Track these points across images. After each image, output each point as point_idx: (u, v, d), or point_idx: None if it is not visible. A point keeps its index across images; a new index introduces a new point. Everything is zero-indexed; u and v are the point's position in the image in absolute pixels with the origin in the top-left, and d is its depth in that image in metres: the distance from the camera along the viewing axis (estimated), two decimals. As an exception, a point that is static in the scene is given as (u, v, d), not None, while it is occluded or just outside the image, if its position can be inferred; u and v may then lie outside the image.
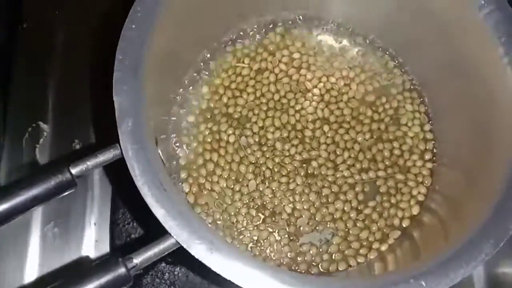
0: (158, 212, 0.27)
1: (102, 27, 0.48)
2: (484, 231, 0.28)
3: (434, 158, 0.40)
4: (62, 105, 0.47)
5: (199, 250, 0.26)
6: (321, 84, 0.42)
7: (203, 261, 0.26)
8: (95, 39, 0.48)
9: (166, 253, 0.27)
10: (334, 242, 0.38)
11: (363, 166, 0.40)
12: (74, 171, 0.27)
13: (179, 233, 0.26)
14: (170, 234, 0.26)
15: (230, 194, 0.39)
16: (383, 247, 0.38)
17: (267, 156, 0.40)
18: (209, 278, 0.40)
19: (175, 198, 0.28)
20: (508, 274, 0.43)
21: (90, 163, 0.27)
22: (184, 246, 0.26)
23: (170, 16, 0.32)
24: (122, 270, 0.25)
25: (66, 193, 0.27)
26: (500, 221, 0.28)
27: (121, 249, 0.41)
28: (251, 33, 0.43)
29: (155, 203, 0.27)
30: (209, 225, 0.35)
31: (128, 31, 0.30)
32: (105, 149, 0.28)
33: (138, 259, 0.26)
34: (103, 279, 0.25)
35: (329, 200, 0.39)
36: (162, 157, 0.32)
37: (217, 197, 0.39)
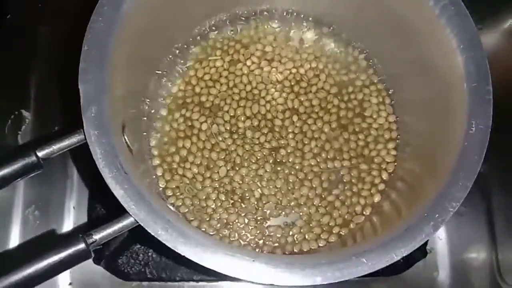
0: (118, 192, 0.28)
1: (85, 19, 0.50)
2: (425, 214, 0.30)
3: (397, 148, 0.42)
4: (44, 93, 0.49)
5: (155, 228, 0.28)
6: (291, 76, 0.44)
7: (159, 238, 0.28)
8: (77, 30, 0.50)
9: (125, 230, 0.28)
10: (298, 225, 0.40)
11: (329, 155, 0.42)
12: (40, 154, 0.29)
13: (137, 212, 0.28)
14: (128, 213, 0.28)
15: (201, 180, 0.41)
16: (343, 231, 0.40)
17: (238, 143, 0.42)
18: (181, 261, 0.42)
19: (135, 180, 0.29)
20: (472, 259, 0.45)
21: (56, 146, 0.29)
22: (142, 224, 0.28)
23: (139, 8, 0.34)
24: (81, 246, 0.27)
25: (33, 174, 0.29)
26: (440, 204, 0.30)
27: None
28: (224, 25, 0.45)
29: (114, 184, 0.29)
30: (172, 208, 0.37)
31: (94, 23, 0.32)
32: (70, 134, 0.30)
33: (97, 235, 0.28)
34: (63, 254, 0.26)
35: (295, 186, 0.41)
36: (129, 143, 0.34)
37: (188, 182, 0.41)
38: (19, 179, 0.28)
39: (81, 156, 0.30)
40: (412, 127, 0.41)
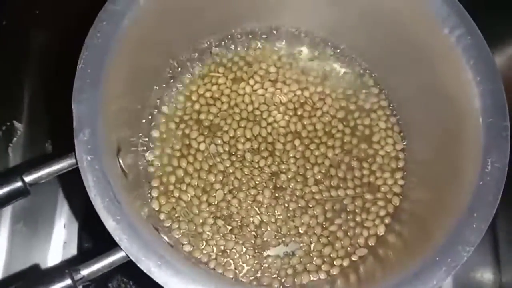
0: (109, 224, 0.27)
1: (81, 29, 0.48)
2: (437, 258, 0.28)
3: (404, 178, 0.40)
4: (37, 105, 0.47)
5: (147, 265, 0.26)
6: (295, 98, 0.42)
7: (151, 276, 0.26)
8: (73, 41, 0.48)
9: (115, 266, 0.26)
10: (297, 255, 0.38)
11: (332, 183, 0.40)
12: (27, 179, 0.27)
13: (129, 247, 0.26)
14: (119, 247, 0.26)
15: (197, 204, 0.39)
16: (345, 263, 0.38)
17: (236, 166, 0.40)
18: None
19: (128, 210, 0.28)
20: (476, 281, 0.44)
21: (44, 172, 0.27)
22: (133, 260, 0.26)
23: (139, 24, 0.32)
24: (68, 282, 0.25)
25: (18, 200, 0.27)
26: (452, 248, 0.28)
27: (88, 253, 0.42)
28: (228, 41, 0.43)
29: (106, 215, 0.27)
30: (165, 237, 0.35)
31: (91, 40, 0.30)
32: (60, 158, 0.28)
33: (86, 271, 0.26)
34: (47, 291, 0.24)
35: (296, 214, 0.39)
36: (123, 166, 0.32)
37: (184, 205, 0.39)
38: (4, 206, 0.26)
39: (71, 180, 0.28)
40: (421, 157, 0.39)
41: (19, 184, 0.26)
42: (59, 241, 0.43)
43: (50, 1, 0.49)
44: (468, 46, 0.32)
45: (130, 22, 0.31)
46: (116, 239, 0.26)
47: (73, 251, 0.43)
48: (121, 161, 0.32)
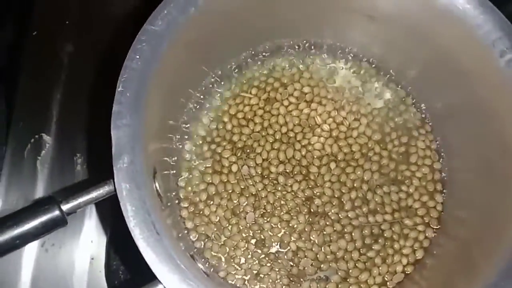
0: (148, 256, 0.26)
1: (111, 41, 0.48)
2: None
3: (443, 199, 0.39)
4: (66, 118, 0.46)
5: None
6: (330, 120, 0.41)
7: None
8: (103, 52, 0.48)
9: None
10: (333, 281, 0.37)
11: (370, 207, 0.39)
12: (65, 208, 0.26)
13: (168, 280, 0.25)
14: (158, 280, 0.25)
15: (228, 226, 0.38)
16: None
17: (269, 190, 0.39)
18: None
19: (168, 242, 0.27)
20: None
21: (82, 200, 0.26)
22: (172, 294, 0.25)
23: (178, 46, 0.31)
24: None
25: (55, 230, 0.26)
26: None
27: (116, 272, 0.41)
28: (260, 58, 0.42)
29: (145, 247, 0.26)
30: (201, 268, 0.34)
31: (131, 62, 0.29)
32: (98, 184, 0.27)
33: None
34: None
35: (332, 239, 0.38)
36: (159, 190, 0.31)
37: (215, 228, 0.38)
38: (40, 237, 0.25)
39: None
40: (463, 177, 0.38)
41: (56, 213, 0.25)
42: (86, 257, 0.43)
43: (79, 11, 0.49)
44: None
45: (169, 43, 0.30)
46: (155, 271, 0.25)
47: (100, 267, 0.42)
48: (157, 184, 0.31)
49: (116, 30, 0.48)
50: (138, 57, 0.29)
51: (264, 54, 0.42)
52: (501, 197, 0.32)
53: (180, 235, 0.36)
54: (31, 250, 0.42)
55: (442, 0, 0.33)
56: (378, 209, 0.39)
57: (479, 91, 0.34)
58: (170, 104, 0.34)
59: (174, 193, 0.38)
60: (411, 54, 0.38)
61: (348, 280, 0.37)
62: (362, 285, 0.37)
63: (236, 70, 0.41)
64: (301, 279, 0.37)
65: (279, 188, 0.39)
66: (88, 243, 0.43)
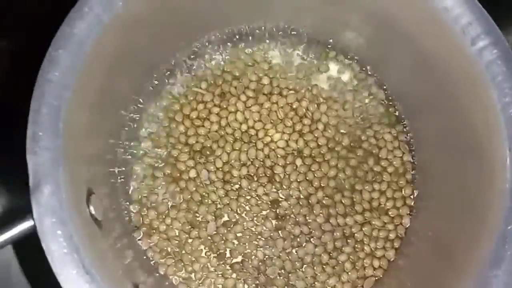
0: (79, 304, 0.22)
1: (30, 42, 0.41)
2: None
3: (414, 194, 0.36)
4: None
5: None
6: (292, 113, 0.37)
7: None
8: (21, 56, 0.41)
9: None
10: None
11: (338, 209, 0.35)
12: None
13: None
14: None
15: (188, 241, 0.35)
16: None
17: (231, 196, 0.35)
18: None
19: (103, 278, 0.23)
20: None
21: (-4, 242, 0.22)
22: None
23: (104, 46, 0.27)
24: None
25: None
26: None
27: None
28: (210, 49, 0.37)
29: (74, 293, 0.22)
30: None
31: (46, 73, 0.25)
32: (14, 222, 0.23)
33: None
34: None
35: (300, 242, 0.35)
36: (95, 214, 0.27)
37: (176, 242, 0.34)
38: None
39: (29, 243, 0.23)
40: (434, 171, 0.35)
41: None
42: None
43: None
44: (494, 60, 0.27)
45: (93, 46, 0.26)
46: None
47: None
48: (92, 209, 0.27)
49: (35, 29, 0.42)
50: (54, 66, 0.25)
51: (213, 45, 0.37)
52: (477, 187, 0.29)
53: (135, 258, 0.33)
54: None
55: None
56: (348, 210, 0.35)
57: (447, 80, 0.30)
58: (104, 113, 0.30)
59: (124, 211, 0.34)
60: (371, 36, 0.34)
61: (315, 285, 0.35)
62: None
63: (184, 65, 0.37)
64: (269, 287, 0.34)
65: (243, 194, 0.35)
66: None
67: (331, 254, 0.35)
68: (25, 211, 0.23)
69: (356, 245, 0.35)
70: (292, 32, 0.37)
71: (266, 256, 0.35)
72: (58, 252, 0.22)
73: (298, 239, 0.35)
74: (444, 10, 0.27)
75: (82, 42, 0.26)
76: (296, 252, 0.35)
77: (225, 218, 0.35)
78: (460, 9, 0.27)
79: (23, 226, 0.23)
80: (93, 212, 0.27)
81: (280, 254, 0.35)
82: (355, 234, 0.35)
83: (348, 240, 0.35)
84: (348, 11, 0.34)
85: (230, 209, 0.35)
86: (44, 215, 0.23)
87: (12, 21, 0.40)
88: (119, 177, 0.34)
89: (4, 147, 0.35)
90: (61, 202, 0.23)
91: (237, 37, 0.37)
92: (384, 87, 0.37)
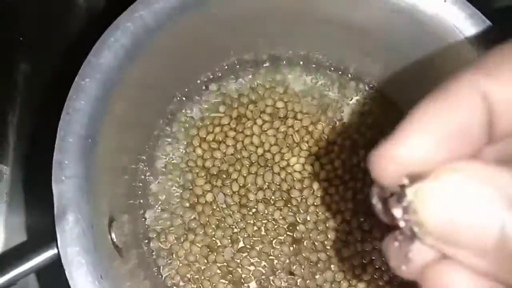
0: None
1: (70, 59, 0.43)
2: None
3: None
4: (24, 144, 0.42)
5: None
6: (308, 136, 0.37)
7: None
8: (63, 70, 0.43)
9: None
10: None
11: (356, 235, 0.35)
12: (-1, 281, 0.22)
13: None
14: None
15: (207, 265, 0.35)
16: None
17: (248, 220, 0.35)
18: None
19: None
20: None
21: (19, 271, 0.22)
22: None
23: (128, 78, 0.27)
24: None
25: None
26: None
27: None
28: (229, 74, 0.38)
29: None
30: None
31: (73, 101, 0.25)
32: (39, 250, 0.23)
33: None
34: None
35: (319, 268, 0.35)
36: (116, 241, 0.28)
37: (194, 269, 0.35)
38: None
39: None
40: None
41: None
42: None
43: (35, 27, 0.44)
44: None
45: (118, 76, 0.26)
46: None
47: None
48: (113, 235, 0.27)
49: (75, 48, 0.43)
50: (81, 95, 0.25)
51: (231, 70, 0.38)
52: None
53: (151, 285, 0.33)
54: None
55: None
56: (367, 236, 0.35)
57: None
58: (127, 140, 0.30)
59: (141, 235, 0.34)
60: (388, 64, 0.35)
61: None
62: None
63: (202, 89, 0.37)
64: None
65: (259, 217, 0.35)
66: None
67: (350, 282, 0.35)
68: (48, 239, 0.23)
69: (376, 273, 0.35)
70: (311, 59, 0.38)
71: (284, 282, 0.35)
72: (81, 280, 0.23)
73: (318, 265, 0.35)
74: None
75: (108, 71, 0.26)
76: (315, 278, 0.35)
77: (241, 243, 0.35)
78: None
79: (47, 254, 0.23)
80: (114, 239, 0.27)
81: (298, 281, 0.35)
82: (374, 261, 0.35)
83: (367, 268, 0.35)
84: (367, 41, 0.34)
85: (246, 233, 0.35)
86: (68, 244, 0.23)
87: (42, 48, 0.42)
88: (138, 201, 0.34)
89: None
90: (85, 230, 0.24)
91: (256, 62, 0.38)
92: (399, 106, 0.38)
